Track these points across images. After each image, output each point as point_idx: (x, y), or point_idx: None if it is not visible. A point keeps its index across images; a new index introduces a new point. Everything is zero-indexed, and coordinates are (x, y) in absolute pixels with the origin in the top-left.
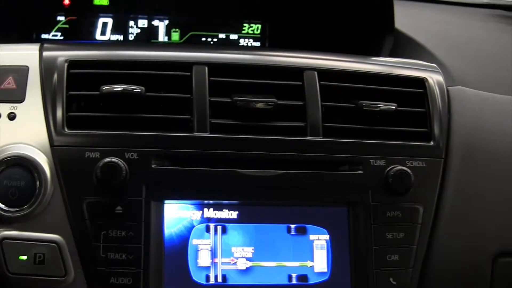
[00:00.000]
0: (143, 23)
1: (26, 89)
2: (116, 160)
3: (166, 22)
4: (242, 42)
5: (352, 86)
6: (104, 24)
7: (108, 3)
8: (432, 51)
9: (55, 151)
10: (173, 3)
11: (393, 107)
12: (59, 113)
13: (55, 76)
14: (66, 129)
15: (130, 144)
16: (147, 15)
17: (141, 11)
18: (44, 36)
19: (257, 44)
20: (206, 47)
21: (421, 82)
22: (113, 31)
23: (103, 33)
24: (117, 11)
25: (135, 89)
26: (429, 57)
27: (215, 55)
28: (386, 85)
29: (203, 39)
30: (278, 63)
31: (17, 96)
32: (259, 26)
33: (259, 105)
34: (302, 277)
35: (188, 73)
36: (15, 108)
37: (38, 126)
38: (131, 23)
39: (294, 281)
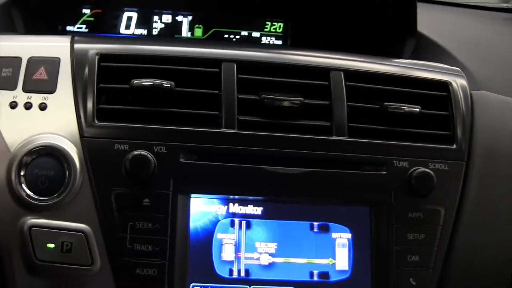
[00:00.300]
0: (167, 18)
1: (57, 81)
2: (145, 153)
3: (190, 18)
4: (264, 40)
5: (378, 87)
6: (129, 18)
7: None
8: (454, 54)
9: (85, 142)
10: (197, 0)
11: (417, 109)
12: (89, 105)
13: (86, 68)
14: (96, 121)
15: (159, 138)
16: (171, 11)
17: (166, 6)
18: (69, 28)
19: (279, 42)
20: (233, 44)
21: (445, 86)
22: (138, 25)
23: (127, 27)
24: (142, 5)
25: (165, 83)
26: (451, 60)
27: (243, 53)
28: (410, 87)
29: (226, 35)
30: (305, 62)
31: (49, 87)
32: (282, 24)
33: (286, 103)
34: (324, 274)
35: (217, 70)
36: (46, 98)
37: (68, 117)
38: (155, 18)
39: (315, 278)
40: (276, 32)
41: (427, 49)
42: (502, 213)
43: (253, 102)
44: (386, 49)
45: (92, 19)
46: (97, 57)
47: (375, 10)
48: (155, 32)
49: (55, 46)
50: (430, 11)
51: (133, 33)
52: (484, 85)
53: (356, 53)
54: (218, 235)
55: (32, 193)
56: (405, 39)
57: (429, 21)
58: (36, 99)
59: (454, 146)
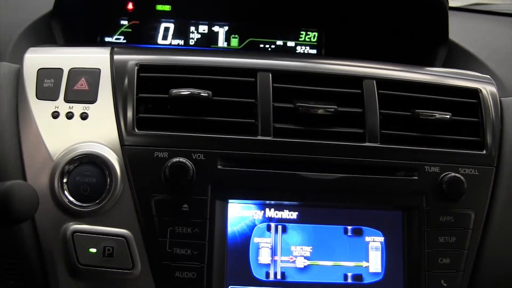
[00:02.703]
0: (203, 28)
1: (98, 91)
2: (184, 160)
3: (226, 28)
4: (299, 49)
5: (409, 95)
6: (166, 29)
7: (170, 9)
8: (485, 62)
9: (125, 150)
10: (233, 10)
11: (448, 116)
12: (129, 114)
13: (126, 79)
14: (136, 130)
15: (197, 146)
16: (207, 21)
17: (202, 17)
18: (107, 39)
19: (313, 51)
20: (269, 54)
21: (475, 93)
22: (175, 36)
23: (164, 37)
24: (178, 16)
25: (202, 93)
26: (481, 68)
27: (278, 63)
28: (441, 95)
29: (261, 45)
30: (338, 71)
31: (89, 97)
32: (316, 34)
33: (320, 111)
34: (357, 277)
35: (253, 79)
36: (87, 108)
37: (109, 126)
38: (192, 28)
39: (349, 280)
40: (310, 41)
41: (458, 57)
42: None
43: (288, 110)
44: (418, 58)
45: (130, 30)
46: (136, 67)
47: (408, 19)
48: (191, 42)
49: (95, 57)
50: (462, 19)
51: (170, 43)
52: None
53: (389, 62)
54: (255, 239)
55: (74, 200)
56: (437, 48)
57: (460, 29)
58: (78, 109)
59: (484, 152)
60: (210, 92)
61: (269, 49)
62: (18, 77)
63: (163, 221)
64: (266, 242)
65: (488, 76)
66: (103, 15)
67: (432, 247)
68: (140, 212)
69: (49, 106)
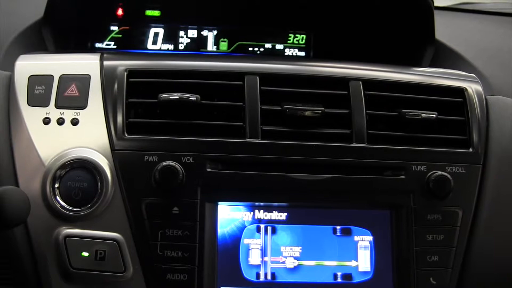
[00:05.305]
0: (192, 33)
1: (88, 97)
2: (174, 164)
3: (215, 32)
4: (288, 51)
5: (396, 95)
6: (156, 34)
7: (159, 14)
8: (471, 61)
9: (116, 154)
10: (222, 14)
11: (434, 115)
12: (119, 119)
13: (116, 84)
14: (126, 134)
15: (187, 149)
16: (196, 26)
17: (191, 21)
18: (98, 45)
19: (302, 53)
20: (256, 57)
21: (460, 92)
22: (164, 41)
23: (154, 42)
24: (168, 21)
25: (191, 97)
26: (468, 67)
27: (266, 66)
28: (427, 94)
29: (250, 48)
30: (325, 73)
31: (80, 103)
32: (304, 36)
33: (308, 113)
34: (347, 276)
35: (241, 83)
36: (78, 114)
37: (99, 131)
38: (181, 33)
39: (339, 280)
40: (299, 44)
41: (445, 57)
42: None
43: (275, 112)
44: (406, 58)
45: (120, 35)
46: (125, 73)
47: (395, 20)
48: (181, 47)
49: (85, 63)
50: (449, 19)
51: (160, 48)
52: (500, 90)
53: (377, 63)
54: (245, 241)
55: (66, 205)
56: (424, 48)
57: (448, 29)
58: (68, 114)
59: (470, 150)
60: (198, 96)
61: (258, 52)
62: (10, 84)
63: (154, 224)
64: (256, 243)
65: (473, 75)
66: (94, 22)
67: (421, 245)
68: (131, 215)
69: (40, 112)
